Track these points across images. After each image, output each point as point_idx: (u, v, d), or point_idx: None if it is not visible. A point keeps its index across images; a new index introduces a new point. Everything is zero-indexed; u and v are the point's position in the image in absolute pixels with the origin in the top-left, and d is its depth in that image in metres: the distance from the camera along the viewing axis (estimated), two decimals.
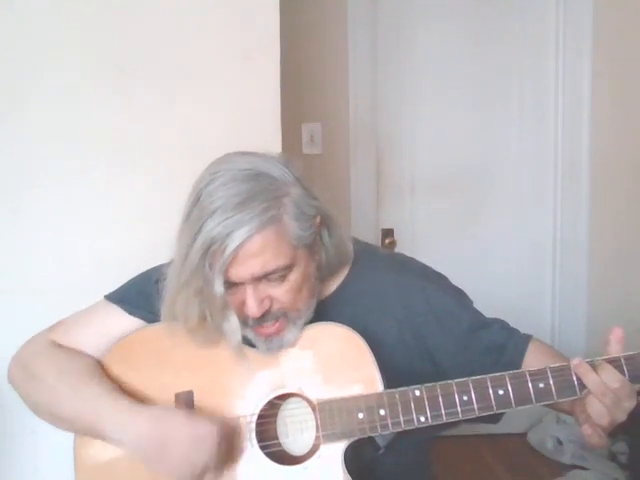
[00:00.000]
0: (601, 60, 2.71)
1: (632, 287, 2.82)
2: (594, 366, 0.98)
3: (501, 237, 2.89)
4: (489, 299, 2.99)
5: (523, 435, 2.81)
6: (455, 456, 2.54)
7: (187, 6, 1.56)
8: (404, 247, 2.64)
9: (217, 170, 0.99)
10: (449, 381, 1.00)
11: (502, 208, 2.89)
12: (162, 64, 1.55)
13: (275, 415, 1.07)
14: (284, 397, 1.07)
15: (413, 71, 2.80)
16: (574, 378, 0.98)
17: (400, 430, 1.01)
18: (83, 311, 1.20)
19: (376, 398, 1.01)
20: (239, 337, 1.03)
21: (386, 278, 1.15)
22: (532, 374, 0.99)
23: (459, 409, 0.99)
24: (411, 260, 1.23)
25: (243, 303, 1.00)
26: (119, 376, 1.11)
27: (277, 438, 1.06)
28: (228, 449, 1.01)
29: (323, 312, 1.10)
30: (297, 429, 1.06)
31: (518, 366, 1.09)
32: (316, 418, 1.03)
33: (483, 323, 1.15)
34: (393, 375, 1.04)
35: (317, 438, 1.03)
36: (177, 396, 1.06)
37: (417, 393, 1.00)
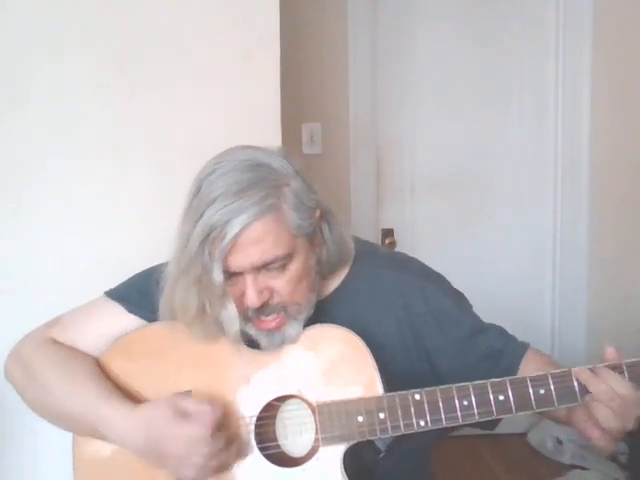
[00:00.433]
0: (601, 60, 2.71)
1: (632, 287, 2.83)
2: (597, 372, 0.97)
3: (501, 237, 2.89)
4: (489, 299, 3.00)
5: (523, 435, 2.81)
6: (455, 456, 2.54)
7: (187, 6, 1.56)
8: (404, 247, 2.64)
9: (218, 162, 1.00)
10: (449, 385, 1.00)
11: (502, 208, 2.89)
12: (162, 64, 1.55)
13: (274, 417, 1.07)
14: (283, 399, 1.06)
15: (413, 71, 2.80)
16: (575, 384, 0.98)
17: (400, 434, 1.00)
18: (82, 308, 1.19)
19: (376, 401, 1.01)
20: (237, 326, 1.02)
21: (386, 277, 1.15)
22: (533, 380, 0.99)
23: (459, 414, 0.99)
24: (411, 259, 1.23)
25: (243, 294, 1.00)
26: (118, 375, 1.11)
27: (276, 440, 1.06)
28: (228, 438, 1.01)
29: (323, 311, 1.10)
30: (296, 431, 1.06)
31: (514, 372, 1.09)
32: (315, 421, 1.02)
33: (481, 328, 1.15)
34: (393, 376, 1.04)
35: (316, 440, 1.02)
36: None
37: (417, 397, 0.99)
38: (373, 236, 2.68)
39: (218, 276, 0.97)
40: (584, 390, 0.97)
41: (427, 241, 2.79)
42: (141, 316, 1.14)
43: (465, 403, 0.98)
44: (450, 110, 2.81)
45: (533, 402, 0.98)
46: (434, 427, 0.99)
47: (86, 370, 1.09)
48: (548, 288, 2.93)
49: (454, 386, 0.99)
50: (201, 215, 0.96)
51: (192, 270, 0.98)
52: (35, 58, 1.50)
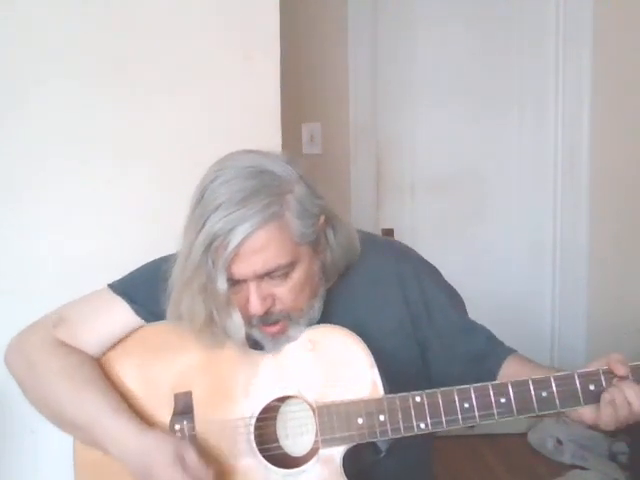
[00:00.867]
0: (601, 61, 2.71)
1: (632, 287, 2.82)
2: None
3: (501, 237, 2.89)
4: (489, 299, 3.01)
5: (523, 435, 2.80)
6: (455, 456, 2.54)
7: (187, 6, 1.56)
8: None
9: (221, 167, 0.99)
10: (450, 387, 0.99)
11: (502, 208, 2.89)
12: (162, 64, 1.55)
13: (274, 417, 1.07)
14: (284, 399, 1.06)
15: (413, 71, 2.79)
16: (578, 387, 0.97)
17: (399, 436, 1.00)
18: (88, 303, 1.18)
19: (376, 403, 1.00)
20: (243, 334, 1.02)
21: (386, 264, 1.15)
22: (535, 382, 0.98)
23: (460, 416, 0.98)
24: (409, 248, 1.23)
25: (247, 301, 1.00)
26: (120, 374, 1.11)
27: (276, 440, 1.06)
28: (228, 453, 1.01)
29: (325, 304, 1.09)
30: (296, 432, 1.06)
31: (494, 377, 1.08)
32: (315, 422, 1.02)
33: (471, 328, 1.15)
34: (392, 363, 1.04)
35: (316, 442, 1.02)
36: (176, 396, 1.07)
37: (418, 399, 0.99)
38: None
39: (222, 285, 0.97)
40: (587, 393, 0.97)
41: (427, 241, 2.78)
42: (145, 317, 1.14)
43: (466, 405, 0.98)
44: (450, 110, 2.81)
45: (535, 405, 0.98)
46: (434, 429, 0.99)
47: (95, 380, 1.09)
48: (548, 288, 2.93)
49: (455, 388, 0.99)
50: (204, 223, 0.95)
51: (197, 279, 0.98)
52: (35, 58, 1.50)
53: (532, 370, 1.04)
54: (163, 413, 1.07)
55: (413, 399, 0.99)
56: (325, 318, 1.08)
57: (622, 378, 0.97)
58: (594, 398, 0.97)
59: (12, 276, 1.52)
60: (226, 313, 1.01)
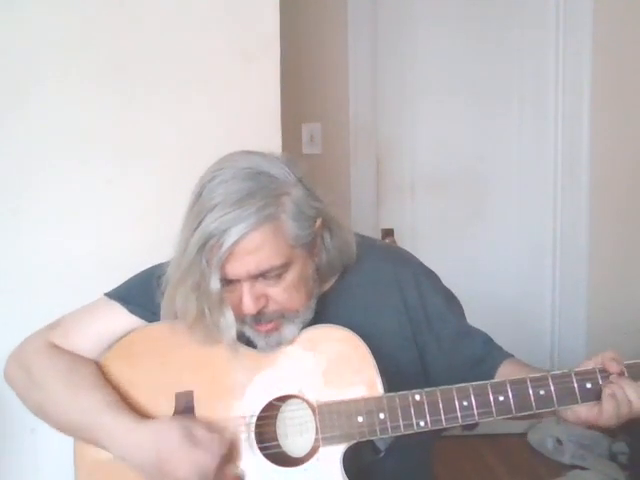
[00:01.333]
0: (601, 60, 2.71)
1: (632, 288, 2.82)
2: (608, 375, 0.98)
3: (501, 237, 2.89)
4: (489, 299, 3.01)
5: (523, 435, 2.80)
6: (455, 456, 2.54)
7: (187, 6, 1.56)
8: (404, 247, 2.64)
9: (219, 168, 1.00)
10: (449, 386, 1.00)
11: (502, 208, 2.89)
12: (162, 64, 1.55)
13: (275, 416, 1.07)
14: (284, 399, 1.07)
15: (413, 71, 2.79)
16: (575, 385, 0.98)
17: (399, 434, 1.00)
18: (83, 310, 1.19)
19: (376, 402, 1.01)
20: (234, 333, 1.03)
21: (384, 268, 1.16)
22: (533, 380, 0.99)
23: (459, 414, 0.99)
24: (408, 253, 1.24)
25: (240, 301, 1.01)
26: (119, 375, 1.11)
27: (276, 439, 1.06)
28: (228, 453, 1.01)
29: (322, 307, 1.10)
30: (296, 431, 1.06)
31: (491, 377, 1.08)
32: (316, 421, 1.03)
33: (469, 332, 1.16)
34: (392, 366, 1.05)
35: (316, 440, 1.03)
36: (177, 396, 1.07)
37: (417, 397, 1.00)
38: (373, 236, 2.68)
39: (215, 284, 0.97)
40: (584, 391, 0.97)
41: (427, 241, 2.79)
42: (142, 316, 1.15)
43: (465, 404, 0.99)
44: (450, 110, 2.81)
45: (533, 403, 0.98)
46: (434, 428, 0.99)
47: (90, 379, 1.09)
48: (548, 288, 2.93)
49: (454, 387, 1.00)
50: (200, 222, 0.96)
51: (190, 276, 0.99)
52: (35, 58, 1.50)
53: (528, 373, 1.04)
54: (164, 413, 1.07)
55: (413, 397, 1.00)
56: (324, 319, 1.08)
57: (617, 375, 0.97)
58: (591, 396, 0.98)
59: (12, 276, 1.52)
60: (218, 311, 1.01)
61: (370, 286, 1.14)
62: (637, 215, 2.80)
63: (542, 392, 0.98)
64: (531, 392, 0.98)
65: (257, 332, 1.05)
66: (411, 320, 1.13)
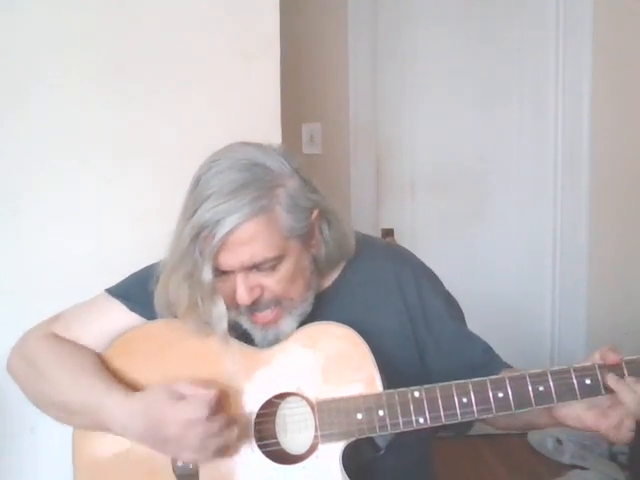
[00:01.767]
0: (601, 60, 2.71)
1: (632, 288, 2.82)
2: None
3: (501, 237, 2.89)
4: (489, 299, 3.00)
5: (523, 435, 2.80)
6: (455, 456, 2.53)
7: (187, 6, 1.56)
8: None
9: (216, 158, 1.01)
10: (449, 383, 1.00)
11: (502, 208, 2.89)
12: (162, 64, 1.55)
13: (274, 414, 1.07)
14: (283, 396, 1.07)
15: (413, 71, 2.79)
16: (574, 381, 0.98)
17: (399, 431, 1.00)
18: (84, 305, 1.20)
19: (375, 399, 1.01)
20: (225, 324, 1.03)
21: (385, 267, 1.15)
22: (532, 376, 0.99)
23: (458, 411, 0.99)
24: (408, 252, 1.24)
25: (234, 291, 1.01)
26: (118, 372, 1.11)
27: (275, 437, 1.06)
28: (225, 421, 1.01)
29: (322, 305, 1.10)
30: (296, 428, 1.06)
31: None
32: (315, 418, 1.03)
33: (468, 339, 1.16)
34: (392, 364, 1.05)
35: (315, 438, 1.03)
36: None
37: (416, 394, 1.00)
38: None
39: (207, 274, 0.98)
40: (583, 387, 0.97)
41: (427, 241, 2.79)
42: (142, 314, 1.15)
43: (464, 400, 0.99)
44: (450, 110, 2.81)
45: (532, 399, 0.98)
46: (433, 424, 0.99)
47: (88, 362, 1.10)
48: (548, 288, 2.93)
49: (453, 383, 1.00)
50: (194, 212, 0.97)
51: (183, 266, 0.99)
52: (35, 58, 1.50)
53: None
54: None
55: (412, 394, 1.00)
56: (323, 317, 1.08)
57: (614, 366, 0.97)
58: (590, 392, 0.98)
59: (12, 276, 1.52)
60: (210, 302, 1.01)
61: (370, 284, 1.14)
62: (637, 215, 2.80)
63: (541, 388, 0.98)
64: (530, 388, 0.98)
65: (254, 324, 1.05)
66: (411, 319, 1.13)
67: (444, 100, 2.81)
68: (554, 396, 0.98)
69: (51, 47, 1.51)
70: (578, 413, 1.00)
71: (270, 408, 1.06)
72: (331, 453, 1.01)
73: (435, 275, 1.20)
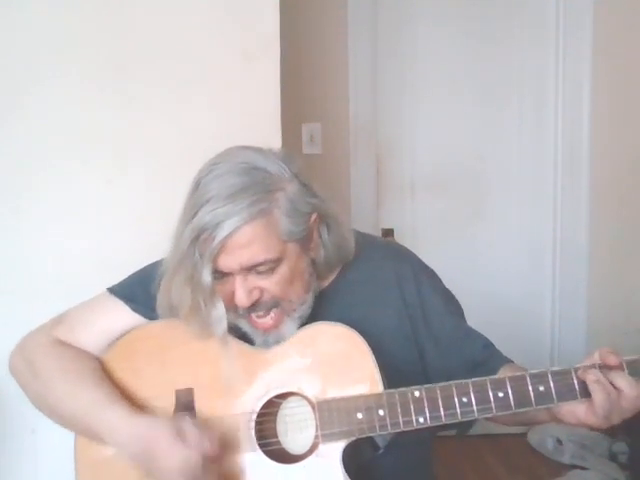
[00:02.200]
0: (601, 60, 2.71)
1: (632, 287, 2.82)
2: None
3: (501, 237, 2.89)
4: (489, 299, 3.00)
5: (523, 435, 2.80)
6: (455, 456, 2.54)
7: (187, 6, 1.56)
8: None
9: (216, 162, 1.02)
10: (449, 382, 1.00)
11: (502, 208, 2.89)
12: (162, 64, 1.55)
13: (275, 414, 1.07)
14: (284, 396, 1.07)
15: (413, 71, 2.79)
16: (575, 381, 0.98)
17: (399, 431, 1.00)
18: (87, 306, 1.20)
19: (375, 398, 1.01)
20: (224, 325, 1.03)
21: (384, 266, 1.16)
22: (533, 377, 0.99)
23: (458, 410, 0.99)
24: (408, 250, 1.24)
25: (233, 293, 1.02)
26: (120, 373, 1.11)
27: (276, 436, 1.06)
28: (228, 449, 1.01)
29: (322, 303, 1.11)
30: (296, 428, 1.06)
31: None
32: (315, 417, 1.03)
33: (468, 335, 1.16)
34: (391, 363, 1.05)
35: (316, 437, 1.03)
36: (177, 393, 1.07)
37: (417, 394, 1.00)
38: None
39: (207, 277, 0.98)
40: (584, 388, 0.97)
41: (427, 241, 2.79)
42: (144, 314, 1.15)
43: (464, 400, 0.99)
44: (450, 110, 2.81)
45: (532, 399, 0.98)
46: (433, 424, 0.99)
47: (90, 373, 1.10)
48: (548, 288, 2.93)
49: (453, 383, 1.00)
50: (193, 215, 0.97)
51: (184, 268, 1.00)
52: (35, 58, 1.50)
53: None
54: (165, 410, 1.07)
55: (412, 394, 1.00)
56: (323, 316, 1.09)
57: (615, 368, 0.97)
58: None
59: (12, 276, 1.52)
60: (210, 304, 1.02)
61: (370, 283, 1.15)
62: (637, 215, 2.80)
63: (542, 388, 0.98)
64: (530, 388, 0.98)
65: (255, 330, 1.06)
66: (410, 317, 1.13)
67: (444, 100, 2.81)
68: (554, 396, 0.98)
69: (51, 47, 1.51)
70: (572, 408, 1.00)
71: (271, 408, 1.06)
72: (332, 452, 1.01)
73: (434, 272, 1.21)
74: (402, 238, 2.69)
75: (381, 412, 1.00)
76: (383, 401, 1.00)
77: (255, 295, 1.02)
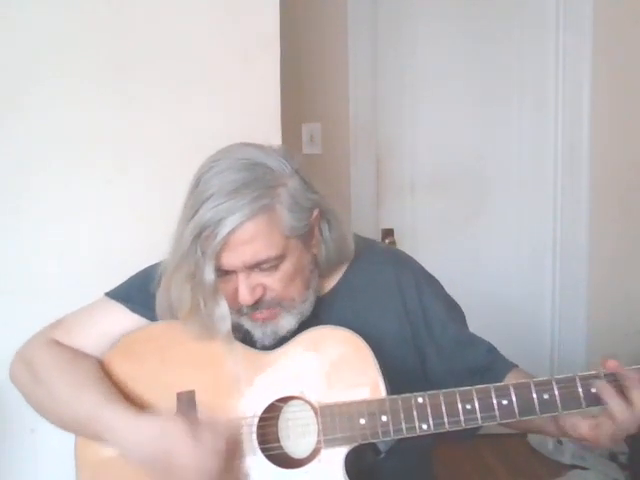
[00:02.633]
0: (601, 60, 2.71)
1: (632, 288, 2.82)
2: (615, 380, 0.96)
3: (501, 237, 2.89)
4: (489, 299, 3.00)
5: (523, 435, 2.80)
6: (455, 456, 2.54)
7: (187, 6, 1.56)
8: (404, 247, 2.60)
9: (217, 159, 1.01)
10: (452, 389, 0.99)
11: (502, 208, 2.89)
12: (162, 64, 1.55)
13: (277, 417, 1.07)
14: (286, 400, 1.06)
15: (413, 71, 2.79)
16: (580, 390, 0.97)
17: (402, 437, 1.00)
18: (85, 309, 1.19)
19: (378, 404, 1.00)
20: (229, 324, 1.03)
21: (385, 272, 1.15)
22: (537, 384, 0.98)
23: (462, 417, 0.98)
24: (409, 257, 1.24)
25: (236, 291, 1.01)
26: (120, 375, 1.11)
27: (278, 441, 1.06)
28: (230, 453, 1.00)
29: (324, 307, 1.10)
30: (298, 432, 1.05)
31: None
32: (318, 422, 1.02)
33: (470, 341, 1.15)
34: (394, 370, 1.04)
35: (318, 442, 1.02)
36: (179, 395, 1.06)
37: (420, 400, 0.99)
38: (373, 236, 2.66)
39: (209, 274, 0.98)
40: (589, 396, 0.96)
41: (427, 241, 2.79)
42: (143, 315, 1.15)
43: (468, 407, 0.98)
44: (450, 110, 2.81)
45: (537, 407, 0.97)
46: (436, 431, 0.99)
47: (90, 374, 1.09)
48: (548, 288, 2.93)
49: (457, 390, 0.99)
50: (195, 212, 0.96)
51: (185, 266, 0.99)
52: (35, 58, 1.50)
53: None
54: (166, 412, 1.06)
55: (415, 400, 0.99)
56: (324, 320, 1.08)
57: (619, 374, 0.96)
58: (596, 401, 0.97)
59: (12, 276, 1.52)
60: (213, 302, 1.01)
61: (371, 289, 1.14)
62: (637, 215, 2.80)
63: (546, 396, 0.97)
64: (535, 396, 0.97)
65: (254, 322, 1.05)
66: (411, 323, 1.13)
67: (444, 100, 2.81)
68: (559, 404, 0.97)
69: (51, 47, 1.50)
70: (574, 421, 0.99)
71: (273, 412, 1.06)
72: (334, 458, 1.01)
73: (435, 279, 1.20)
74: (402, 238, 2.69)
75: (384, 418, 0.99)
76: (386, 407, 0.99)
77: (258, 292, 1.02)
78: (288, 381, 1.05)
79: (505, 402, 0.98)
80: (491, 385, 0.99)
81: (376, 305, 1.13)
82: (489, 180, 2.87)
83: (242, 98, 1.59)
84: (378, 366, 1.02)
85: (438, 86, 2.80)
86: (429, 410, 0.98)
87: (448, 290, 1.21)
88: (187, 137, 1.56)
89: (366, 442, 1.01)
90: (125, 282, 1.20)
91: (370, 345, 1.03)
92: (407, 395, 1.00)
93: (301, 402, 1.05)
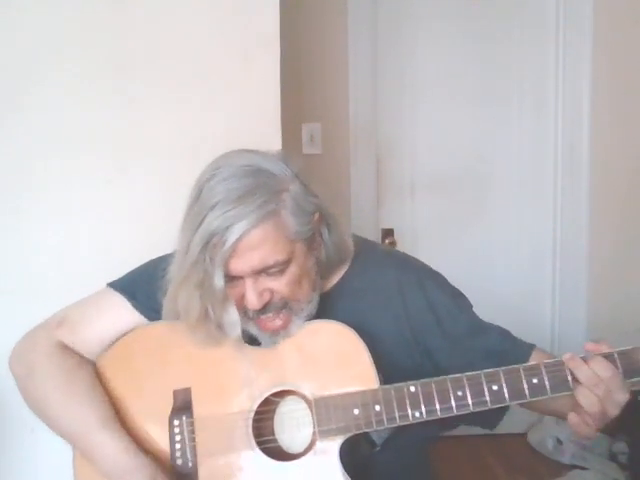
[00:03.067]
0: (601, 60, 2.71)
1: (632, 287, 2.82)
2: (586, 359, 0.99)
3: (501, 237, 2.89)
4: (489, 299, 2.99)
5: (523, 435, 2.80)
6: (455, 456, 2.54)
7: (187, 6, 1.56)
8: (404, 247, 2.63)
9: (218, 166, 1.01)
10: (444, 377, 1.01)
11: (502, 208, 2.89)
12: (162, 64, 1.55)
13: (272, 412, 1.08)
14: (281, 394, 1.07)
15: (413, 71, 2.79)
16: (568, 373, 0.99)
17: (395, 425, 1.01)
18: (88, 302, 1.19)
19: (372, 394, 1.02)
20: (239, 330, 1.04)
21: (386, 274, 1.16)
22: (526, 369, 1.00)
23: (453, 404, 1.00)
24: (410, 257, 1.24)
25: (243, 296, 1.02)
26: (118, 375, 1.12)
27: (274, 435, 1.07)
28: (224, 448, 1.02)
29: (324, 307, 1.11)
30: (294, 426, 1.07)
31: None
32: (312, 415, 1.03)
33: (481, 328, 1.16)
34: (393, 371, 1.05)
35: (313, 434, 1.03)
36: (175, 393, 1.07)
37: (412, 389, 1.01)
38: (373, 236, 2.67)
39: (219, 281, 0.98)
40: (576, 379, 0.98)
41: (427, 241, 2.79)
42: (144, 313, 1.15)
43: (459, 394, 1.00)
44: (450, 110, 2.81)
45: (526, 391, 0.99)
46: (429, 418, 1.00)
47: (87, 391, 1.10)
48: (548, 288, 2.93)
49: (448, 377, 1.01)
50: (201, 221, 0.97)
51: (194, 275, 0.99)
52: (35, 58, 1.50)
53: None
54: (162, 410, 1.08)
55: (408, 389, 1.01)
56: (324, 318, 1.08)
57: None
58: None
59: (12, 276, 1.52)
60: (222, 309, 1.03)
61: (371, 291, 1.14)
62: (637, 215, 2.80)
63: (535, 380, 0.99)
64: (524, 381, 0.99)
65: (262, 331, 1.06)
66: (416, 323, 1.13)
67: (444, 100, 2.81)
68: (548, 388, 0.99)
69: (51, 47, 1.51)
70: (568, 408, 1.00)
71: (268, 406, 1.07)
72: (329, 449, 1.02)
73: (438, 273, 1.20)
74: (402, 238, 2.69)
75: (377, 407, 1.01)
76: (379, 397, 1.01)
77: (266, 297, 1.02)
78: (283, 375, 1.06)
79: (495, 387, 1.00)
80: (481, 372, 1.00)
81: (375, 307, 1.13)
82: (489, 180, 2.87)
83: (242, 98, 1.59)
84: (371, 357, 1.03)
85: (438, 86, 2.80)
86: (421, 398, 1.00)
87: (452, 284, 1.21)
88: (187, 137, 1.56)
89: (360, 432, 1.02)
90: (128, 275, 1.20)
91: (366, 340, 1.04)
92: (400, 384, 1.01)
93: (296, 396, 1.06)
